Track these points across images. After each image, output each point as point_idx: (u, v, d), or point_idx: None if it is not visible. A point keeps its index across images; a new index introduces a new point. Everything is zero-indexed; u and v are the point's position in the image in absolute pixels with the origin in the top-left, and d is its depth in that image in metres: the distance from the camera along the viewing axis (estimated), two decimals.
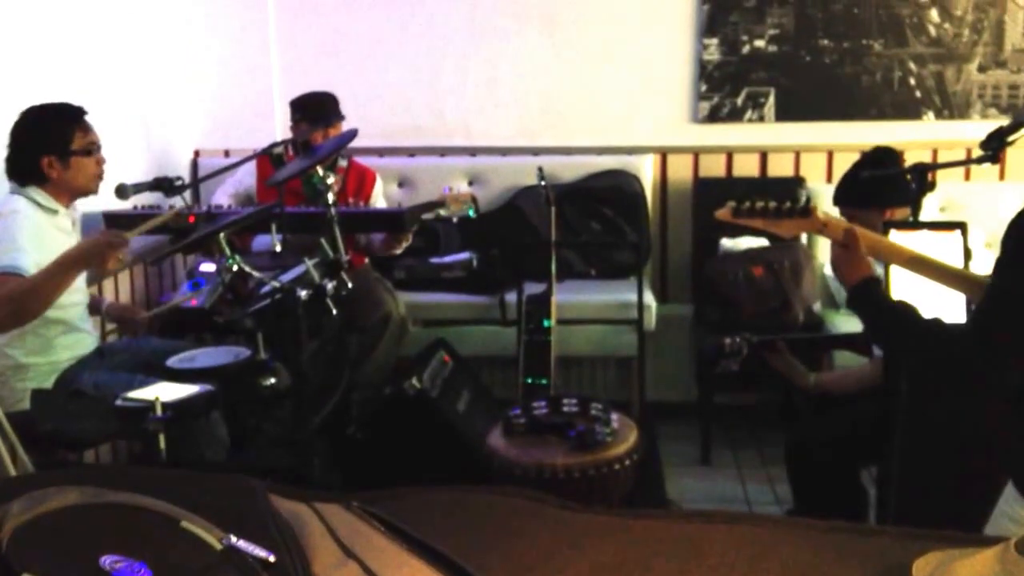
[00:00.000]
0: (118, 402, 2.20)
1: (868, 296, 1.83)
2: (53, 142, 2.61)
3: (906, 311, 1.76)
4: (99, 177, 2.73)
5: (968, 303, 1.88)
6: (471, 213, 3.21)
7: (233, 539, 1.15)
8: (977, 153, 2.34)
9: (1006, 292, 1.58)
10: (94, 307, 2.96)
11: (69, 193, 2.68)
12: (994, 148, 2.28)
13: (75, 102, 2.70)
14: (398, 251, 3.50)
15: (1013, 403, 1.59)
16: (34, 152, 2.60)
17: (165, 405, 2.13)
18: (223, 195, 3.62)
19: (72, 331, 2.69)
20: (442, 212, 3.19)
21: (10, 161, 2.63)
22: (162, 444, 2.13)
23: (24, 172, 2.62)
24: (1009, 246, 1.58)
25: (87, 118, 2.69)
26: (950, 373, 1.71)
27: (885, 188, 2.65)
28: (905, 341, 1.79)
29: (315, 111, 3.50)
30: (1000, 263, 1.59)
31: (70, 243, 2.68)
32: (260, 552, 1.14)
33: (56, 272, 2.41)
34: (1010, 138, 2.25)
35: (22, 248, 2.46)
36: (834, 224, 1.90)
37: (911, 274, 1.88)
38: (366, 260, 3.71)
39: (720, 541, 1.28)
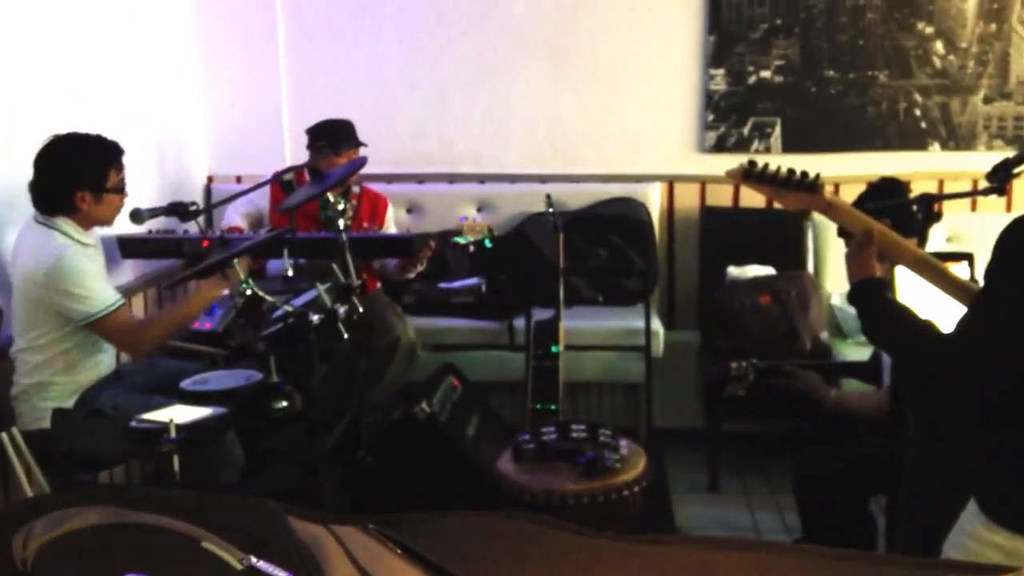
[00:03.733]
0: (133, 423, 2.22)
1: (869, 293, 1.86)
2: (90, 177, 2.66)
3: (903, 312, 1.79)
4: (119, 211, 2.82)
5: None
6: (487, 243, 3.25)
7: (254, 560, 1.17)
8: (983, 184, 2.36)
9: (993, 298, 1.58)
10: None
11: (90, 224, 2.74)
12: (1000, 180, 2.31)
13: (91, 129, 2.74)
14: (411, 275, 3.54)
15: (984, 417, 1.60)
16: (69, 184, 2.64)
17: (179, 427, 2.15)
18: (235, 214, 3.66)
19: (94, 351, 2.74)
20: (459, 240, 3.23)
21: (38, 189, 2.65)
22: (176, 465, 2.15)
23: (54, 203, 2.66)
24: (1000, 252, 1.58)
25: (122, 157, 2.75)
26: (933, 380, 1.72)
27: (891, 219, 2.67)
28: (898, 341, 1.81)
29: (340, 136, 3.55)
30: (989, 268, 1.59)
31: (96, 267, 2.75)
32: (281, 573, 1.16)
33: (182, 319, 2.73)
34: (1016, 170, 2.27)
35: (98, 286, 2.64)
36: (845, 212, 1.91)
37: (917, 279, 1.90)
38: (378, 285, 3.74)
39: (732, 568, 1.28)
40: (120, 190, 2.74)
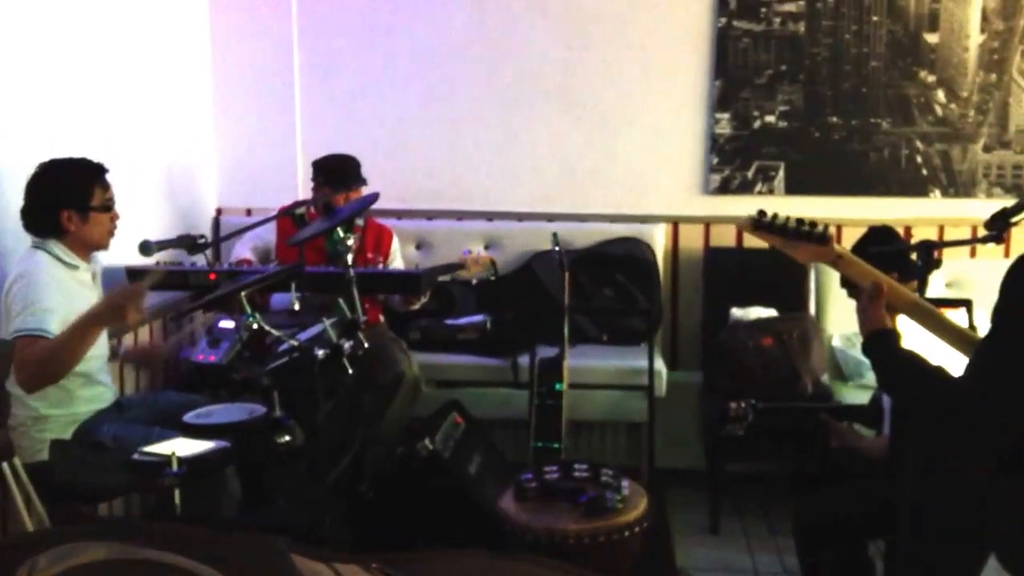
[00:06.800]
0: (135, 456, 2.22)
1: (882, 344, 1.87)
2: (74, 196, 2.66)
3: (916, 361, 1.79)
4: (112, 233, 2.78)
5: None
6: (490, 276, 3.27)
7: None
8: (983, 231, 2.39)
9: (1005, 338, 1.59)
10: (111, 353, 2.99)
11: (84, 247, 2.73)
12: (999, 228, 2.33)
13: (102, 159, 2.76)
14: (416, 306, 3.56)
15: (1000, 467, 1.60)
16: (54, 205, 2.64)
17: (181, 460, 2.15)
18: (243, 248, 3.68)
19: (92, 384, 2.73)
20: (462, 274, 3.25)
21: (28, 214, 2.67)
22: (177, 499, 2.16)
23: (42, 225, 2.66)
24: (1007, 292, 1.59)
25: (107, 176, 2.74)
26: (950, 425, 1.71)
27: (892, 264, 2.69)
28: (912, 390, 1.82)
29: (337, 176, 3.57)
30: (997, 309, 1.60)
31: (92, 297, 2.73)
32: None
33: (78, 333, 2.45)
34: (1014, 219, 2.30)
35: (48, 308, 2.50)
36: (855, 266, 1.92)
37: (916, 326, 1.92)
38: (381, 319, 3.76)
39: None
40: (107, 208, 2.72)
